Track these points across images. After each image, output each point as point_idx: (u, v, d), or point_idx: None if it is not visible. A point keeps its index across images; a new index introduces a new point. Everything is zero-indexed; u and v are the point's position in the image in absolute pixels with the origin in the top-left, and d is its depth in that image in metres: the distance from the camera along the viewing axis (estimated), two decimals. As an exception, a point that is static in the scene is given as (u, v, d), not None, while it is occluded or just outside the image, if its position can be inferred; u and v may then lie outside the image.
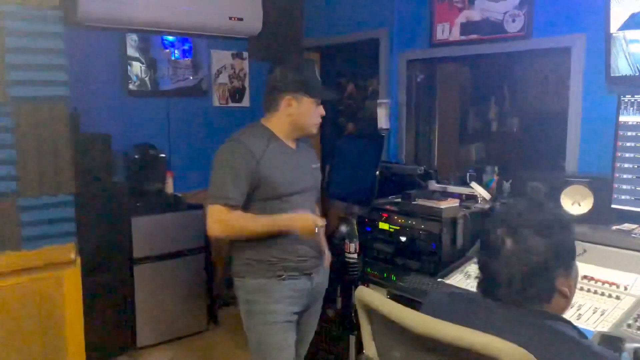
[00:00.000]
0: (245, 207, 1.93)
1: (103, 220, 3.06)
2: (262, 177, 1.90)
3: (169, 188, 3.62)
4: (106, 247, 3.07)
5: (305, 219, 1.92)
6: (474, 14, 2.92)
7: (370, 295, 1.29)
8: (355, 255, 2.42)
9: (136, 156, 3.40)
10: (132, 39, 3.51)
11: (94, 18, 3.21)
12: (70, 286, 1.88)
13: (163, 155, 3.50)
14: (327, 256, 2.22)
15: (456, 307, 1.25)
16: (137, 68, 3.58)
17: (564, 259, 1.18)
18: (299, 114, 1.97)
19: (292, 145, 2.06)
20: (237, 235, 1.95)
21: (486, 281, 1.21)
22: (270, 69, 2.01)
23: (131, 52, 3.52)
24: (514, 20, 2.75)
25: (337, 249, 2.46)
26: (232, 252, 2.05)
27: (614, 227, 2.24)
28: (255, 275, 1.96)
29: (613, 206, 2.30)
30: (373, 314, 1.31)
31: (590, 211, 2.31)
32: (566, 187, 2.35)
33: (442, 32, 3.09)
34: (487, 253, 1.20)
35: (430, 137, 3.61)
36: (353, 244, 2.41)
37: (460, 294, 1.35)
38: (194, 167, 3.74)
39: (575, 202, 2.35)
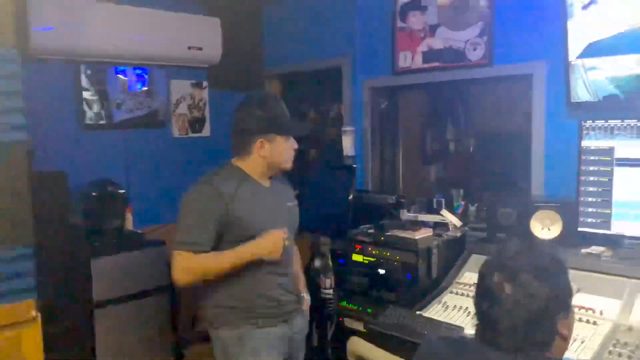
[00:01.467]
0: (218, 250, 1.86)
1: (60, 264, 2.89)
2: (233, 219, 1.84)
3: (129, 225, 3.47)
4: (65, 293, 2.90)
5: (269, 241, 1.85)
6: (436, 43, 2.97)
7: (363, 347, 1.25)
8: (330, 291, 2.37)
9: (94, 193, 3.24)
10: (87, 71, 3.38)
11: (47, 50, 3.07)
12: (30, 346, 1.74)
13: (122, 191, 3.36)
14: (306, 300, 2.15)
15: (455, 357, 1.22)
16: (92, 101, 3.45)
17: (564, 302, 1.18)
18: (273, 155, 1.92)
19: (267, 183, 2.00)
20: (204, 278, 1.87)
21: (486, 329, 1.18)
22: (235, 109, 1.95)
23: (86, 84, 3.39)
24: (475, 49, 2.81)
25: (312, 285, 2.40)
26: (203, 299, 1.95)
27: (583, 251, 2.28)
28: (230, 324, 1.88)
29: (580, 229, 2.35)
30: None
31: (559, 235, 2.35)
32: (535, 212, 2.39)
33: (405, 60, 3.12)
34: (485, 300, 1.18)
35: (394, 163, 3.62)
36: (328, 279, 2.37)
37: (458, 342, 1.32)
38: (155, 201, 3.62)
39: (545, 227, 2.38)
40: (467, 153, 4.16)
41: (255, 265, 1.86)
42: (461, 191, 3.16)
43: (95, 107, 3.48)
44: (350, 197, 2.57)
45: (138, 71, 3.63)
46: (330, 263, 2.39)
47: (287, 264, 2.00)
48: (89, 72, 3.39)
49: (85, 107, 3.41)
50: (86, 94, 3.41)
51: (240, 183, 1.89)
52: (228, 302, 1.89)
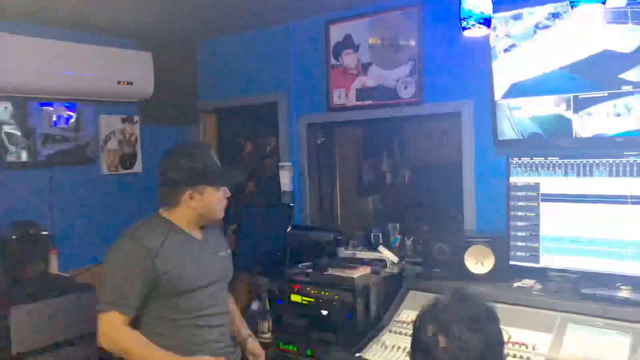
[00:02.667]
0: (146, 307, 1.76)
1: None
2: (161, 274, 1.73)
3: (54, 268, 3.26)
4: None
5: None
6: (368, 81, 3.03)
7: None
8: (269, 335, 2.31)
9: (14, 236, 3.03)
10: (5, 106, 3.19)
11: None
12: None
13: (45, 232, 3.16)
14: (254, 343, 2.06)
15: None
16: (13, 138, 3.25)
17: (497, 350, 1.18)
18: (203, 206, 1.83)
19: (198, 234, 1.90)
20: (124, 356, 1.74)
21: None
22: (162, 159, 1.86)
23: (3, 120, 3.19)
24: (406, 87, 2.89)
25: (250, 329, 2.32)
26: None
27: (515, 285, 2.35)
28: None
29: (511, 262, 2.43)
30: None
31: (492, 270, 2.41)
32: (469, 247, 2.44)
33: (339, 97, 3.16)
34: (420, 353, 1.17)
35: (332, 197, 3.63)
36: (266, 322, 2.31)
37: None
38: (83, 241, 3.43)
39: (479, 262, 2.43)
40: (402, 184, 4.26)
41: (187, 318, 1.78)
42: (397, 225, 3.20)
43: (17, 143, 3.28)
44: (288, 234, 2.52)
45: (63, 107, 3.47)
46: (268, 306, 2.33)
47: (220, 316, 1.90)
48: (9, 106, 3.20)
49: (7, 144, 3.21)
50: (7, 129, 3.22)
51: (168, 235, 1.79)
52: None
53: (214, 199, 1.85)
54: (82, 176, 3.60)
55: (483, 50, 2.50)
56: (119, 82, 3.48)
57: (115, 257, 1.75)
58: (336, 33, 3.13)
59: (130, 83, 3.54)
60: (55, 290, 3.08)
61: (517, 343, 2.02)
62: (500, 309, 2.09)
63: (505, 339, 1.24)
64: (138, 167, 3.87)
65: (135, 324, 1.75)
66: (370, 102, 3.04)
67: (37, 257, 3.15)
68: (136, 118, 3.85)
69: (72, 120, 3.54)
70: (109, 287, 1.71)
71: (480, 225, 2.70)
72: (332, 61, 3.17)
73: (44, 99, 3.35)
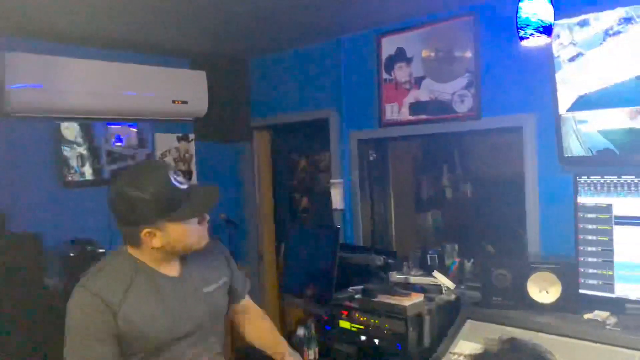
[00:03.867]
0: None
1: (35, 329, 2.74)
2: (123, 332, 1.43)
3: (110, 285, 3.32)
4: (40, 357, 2.74)
5: None
6: (422, 95, 2.89)
7: None
8: (315, 364, 2.21)
9: (71, 254, 3.11)
10: (69, 127, 3.31)
11: (25, 108, 2.99)
12: None
13: (102, 250, 3.22)
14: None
15: None
16: (74, 157, 3.36)
17: None
18: (170, 243, 1.48)
19: (174, 270, 1.56)
20: None
21: None
22: (107, 189, 1.50)
23: (68, 140, 3.30)
24: (462, 101, 2.73)
25: (295, 356, 2.23)
26: None
27: (585, 316, 2.12)
28: None
29: (581, 291, 2.21)
30: None
31: (558, 299, 2.20)
32: (532, 274, 2.24)
33: (392, 112, 3.04)
34: None
35: (386, 215, 3.49)
36: (312, 350, 2.21)
37: None
38: (138, 259, 3.47)
39: (543, 290, 2.23)
40: (464, 199, 4.05)
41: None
42: (456, 246, 3.02)
43: (79, 163, 3.38)
44: (336, 259, 2.41)
45: (127, 126, 3.56)
46: (314, 332, 2.23)
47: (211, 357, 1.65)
48: (72, 127, 3.31)
49: (72, 163, 3.31)
50: (70, 150, 3.33)
51: (132, 281, 1.47)
52: None
53: (184, 231, 1.49)
54: (138, 194, 3.66)
55: (545, 60, 2.32)
56: (173, 102, 3.53)
57: (72, 315, 1.43)
58: (388, 46, 3.02)
59: (185, 102, 3.58)
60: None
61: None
62: (568, 344, 1.95)
63: None
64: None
65: None
66: (424, 116, 2.90)
67: (93, 274, 3.22)
68: (191, 136, 3.89)
69: (132, 138, 3.63)
70: (70, 351, 1.43)
71: (545, 249, 2.49)
72: (384, 75, 3.06)
73: (103, 119, 3.44)
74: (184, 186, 1.50)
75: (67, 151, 3.32)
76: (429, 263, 2.86)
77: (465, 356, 2.06)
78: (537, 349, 1.10)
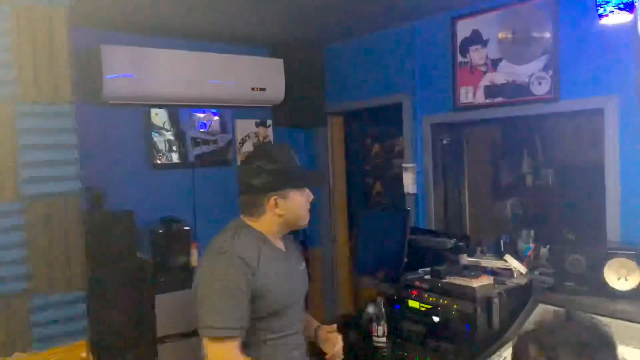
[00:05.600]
0: None
1: (127, 298, 3.01)
2: (260, 292, 1.60)
3: (194, 261, 3.56)
4: (130, 327, 3.00)
5: None
6: (498, 77, 2.85)
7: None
8: (384, 339, 2.28)
9: (160, 231, 3.37)
10: (157, 113, 3.56)
11: (120, 96, 3.26)
12: (82, 387, 1.80)
13: (187, 228, 3.46)
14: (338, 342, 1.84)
15: None
16: (162, 141, 3.61)
17: None
18: (288, 212, 1.69)
19: (281, 244, 1.77)
20: None
21: None
22: (241, 165, 1.76)
23: (157, 125, 3.56)
24: (540, 83, 2.66)
25: (364, 332, 2.32)
26: None
27: (667, 305, 2.04)
28: None
29: (664, 280, 2.11)
30: None
31: (638, 287, 2.12)
32: (609, 260, 2.18)
33: (466, 95, 3.01)
34: None
35: (460, 199, 3.47)
36: (381, 327, 2.28)
37: None
38: (220, 237, 3.69)
39: (621, 277, 2.16)
40: (545, 186, 3.91)
41: (276, 338, 1.69)
42: (532, 232, 2.96)
43: (166, 147, 3.63)
44: (406, 240, 2.46)
45: (210, 113, 3.77)
46: (384, 310, 2.30)
47: (301, 335, 1.80)
48: (160, 113, 3.56)
49: (156, 147, 3.57)
50: (159, 135, 3.58)
51: (261, 249, 1.66)
52: None
53: (299, 203, 1.71)
54: (220, 176, 3.88)
55: (626, 39, 2.22)
56: (252, 89, 3.70)
57: (214, 275, 1.58)
58: (463, 29, 2.99)
59: (263, 89, 3.73)
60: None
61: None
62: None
63: None
64: (270, 168, 4.06)
65: None
66: (500, 99, 2.86)
67: (179, 250, 3.47)
68: (269, 122, 4.05)
69: (214, 124, 3.84)
70: (215, 310, 1.55)
71: (625, 238, 2.39)
72: (459, 58, 3.03)
73: (188, 106, 3.67)
74: (298, 161, 1.77)
75: (156, 136, 3.58)
76: (502, 248, 2.84)
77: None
78: (593, 321, 1.11)
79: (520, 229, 3.03)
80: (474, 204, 3.54)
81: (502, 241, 2.91)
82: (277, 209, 1.67)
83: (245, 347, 1.60)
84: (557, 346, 1.03)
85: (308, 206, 1.75)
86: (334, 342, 1.79)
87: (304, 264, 1.88)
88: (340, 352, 1.79)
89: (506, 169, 4.01)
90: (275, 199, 1.67)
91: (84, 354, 1.80)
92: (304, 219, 1.75)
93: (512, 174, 4.02)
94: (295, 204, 1.70)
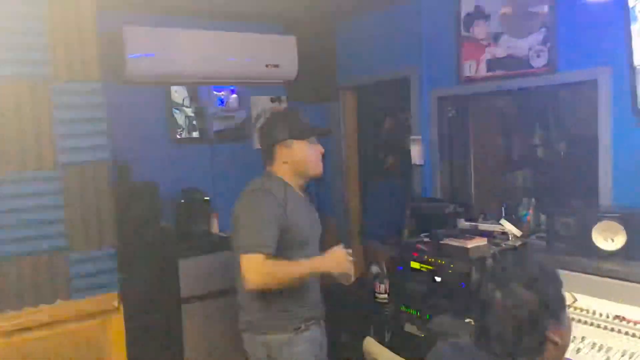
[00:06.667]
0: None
1: (152, 263, 3.26)
2: (290, 223, 1.91)
3: (215, 229, 3.80)
4: (156, 289, 3.26)
5: (335, 259, 1.92)
6: (499, 51, 2.96)
7: (373, 346, 1.38)
8: (385, 296, 2.48)
9: (182, 200, 3.60)
10: (177, 91, 3.76)
11: (142, 75, 3.46)
12: (114, 332, 2.04)
13: (207, 198, 3.69)
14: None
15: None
16: (182, 118, 3.82)
17: (553, 310, 1.23)
18: (293, 159, 2.00)
19: (302, 194, 2.09)
20: (278, 284, 1.87)
21: (480, 334, 1.26)
22: (260, 126, 2.12)
23: (177, 102, 3.77)
24: (538, 56, 2.77)
25: (367, 290, 2.52)
26: (244, 305, 2.02)
27: (648, 263, 2.19)
28: (275, 329, 1.94)
29: (649, 241, 2.26)
30: None
31: (623, 247, 2.27)
32: (597, 223, 2.33)
33: (470, 69, 3.14)
34: (478, 308, 1.25)
35: (466, 171, 3.61)
36: (383, 285, 2.47)
37: (460, 346, 1.39)
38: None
39: (608, 238, 2.31)
40: (556, 158, 4.00)
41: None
42: (532, 200, 3.11)
43: (186, 123, 3.85)
44: (406, 206, 2.64)
45: (228, 90, 3.97)
46: (385, 270, 2.49)
47: None
48: (181, 91, 3.77)
49: (176, 123, 3.78)
50: (179, 112, 3.80)
51: (286, 190, 1.98)
52: (273, 308, 1.94)
53: (303, 153, 2.01)
54: (237, 151, 4.09)
55: (620, 12, 2.32)
56: (266, 65, 3.86)
57: (251, 206, 1.91)
58: (467, 4, 3.10)
59: (276, 66, 3.90)
60: (215, 247, 3.60)
61: (632, 321, 1.92)
62: (626, 287, 2.05)
63: (569, 302, 1.25)
64: (285, 142, 4.26)
65: None
66: (501, 72, 2.98)
67: (201, 218, 3.71)
68: (283, 98, 4.22)
69: (232, 101, 4.03)
70: (249, 232, 1.85)
71: (617, 201, 2.53)
72: (463, 33, 3.15)
73: (205, 84, 3.86)
74: (307, 121, 2.09)
75: (176, 113, 3.80)
76: (503, 215, 2.99)
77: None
78: (540, 261, 1.29)
79: (525, 198, 3.17)
80: (479, 174, 3.67)
81: (503, 209, 3.07)
82: (282, 157, 2.00)
83: None
84: (509, 280, 1.21)
85: (317, 157, 2.04)
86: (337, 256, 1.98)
87: (317, 215, 2.18)
88: (347, 269, 1.97)
89: (516, 141, 4.12)
90: (280, 147, 1.99)
91: (115, 304, 2.05)
92: (313, 169, 2.04)
93: (522, 145, 4.13)
94: (299, 153, 2.00)
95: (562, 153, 3.95)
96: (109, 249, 2.04)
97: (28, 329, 1.91)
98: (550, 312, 1.21)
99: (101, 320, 2.03)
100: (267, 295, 1.93)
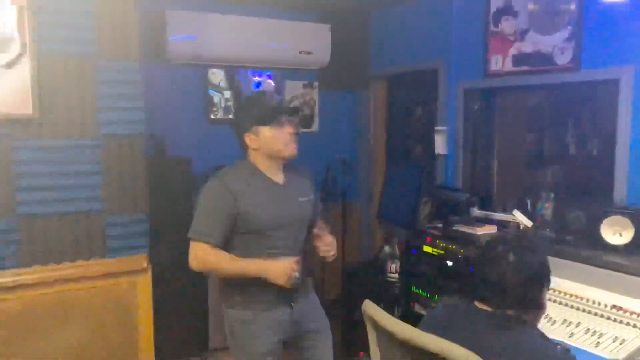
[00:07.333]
0: (230, 240, 2.01)
1: (180, 233, 3.44)
2: (242, 213, 1.95)
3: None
4: (183, 257, 3.46)
5: (277, 269, 1.92)
6: (525, 47, 3.02)
7: (373, 310, 1.52)
8: (396, 275, 2.61)
9: (213, 177, 3.79)
10: (214, 73, 3.95)
11: (182, 56, 3.66)
12: (142, 290, 2.25)
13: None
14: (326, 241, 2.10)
15: (449, 317, 1.53)
16: (219, 99, 4.01)
17: (547, 275, 1.46)
18: (263, 145, 2.01)
19: (279, 179, 2.08)
20: (217, 274, 2.06)
21: (480, 288, 1.48)
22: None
23: (213, 84, 3.96)
24: (562, 53, 2.82)
25: (379, 268, 2.65)
26: (220, 280, 2.12)
27: (654, 259, 2.24)
28: (235, 305, 2.03)
29: (658, 238, 2.30)
30: (376, 323, 1.54)
31: (631, 242, 2.33)
32: (607, 217, 2.39)
33: (496, 63, 3.20)
34: (488, 265, 1.47)
35: (488, 162, 3.67)
36: (394, 264, 2.60)
37: (453, 305, 1.64)
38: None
39: (617, 233, 2.37)
40: (589, 156, 3.98)
41: (265, 251, 2.00)
42: (552, 194, 3.16)
43: (222, 104, 4.03)
44: (420, 193, 2.75)
45: (265, 74, 4.13)
46: (397, 251, 2.62)
47: (296, 252, 2.06)
48: (218, 73, 3.95)
49: (213, 103, 3.98)
50: (216, 93, 3.98)
51: (251, 178, 2.01)
52: (241, 286, 2.02)
53: (270, 136, 1.99)
54: (269, 133, 4.24)
55: (644, 11, 2.36)
56: (300, 52, 4.01)
57: (204, 195, 2.01)
58: (496, 0, 3.15)
59: (309, 53, 4.03)
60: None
61: (635, 313, 1.99)
62: (628, 279, 2.12)
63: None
64: (315, 127, 4.41)
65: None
66: (526, 68, 3.03)
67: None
68: (315, 84, 4.36)
69: (267, 85, 4.19)
70: (197, 219, 1.99)
71: (631, 199, 2.57)
72: (492, 28, 3.21)
73: (243, 67, 4.03)
74: (274, 103, 2.07)
75: (213, 94, 3.99)
76: (518, 207, 3.06)
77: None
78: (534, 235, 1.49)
79: (543, 192, 3.22)
80: (502, 167, 3.72)
81: (520, 200, 3.13)
82: (252, 144, 2.02)
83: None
84: (518, 246, 1.47)
85: (287, 138, 2.01)
86: (322, 238, 2.08)
87: (308, 197, 2.15)
88: (328, 246, 2.06)
89: (543, 138, 4.13)
90: (248, 135, 2.02)
91: (144, 265, 2.25)
92: (284, 151, 2.02)
93: (549, 142, 4.14)
94: (267, 138, 2.00)
95: (594, 151, 3.96)
96: (141, 214, 2.24)
97: (67, 280, 2.14)
98: (545, 275, 1.45)
99: (131, 279, 2.23)
100: (232, 278, 2.04)
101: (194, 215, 2.01)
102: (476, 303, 1.50)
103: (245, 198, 1.96)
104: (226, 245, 2.00)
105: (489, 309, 1.45)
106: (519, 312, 1.41)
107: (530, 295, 1.42)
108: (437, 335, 1.30)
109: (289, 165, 2.13)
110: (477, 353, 1.23)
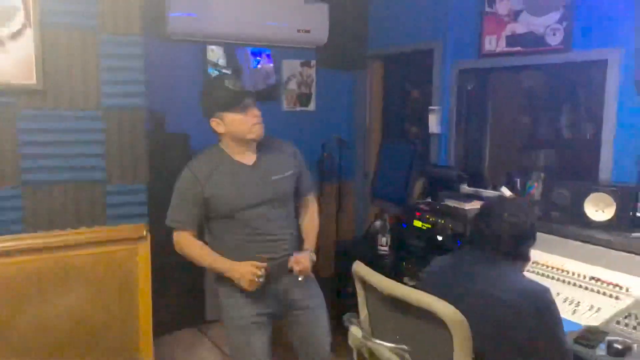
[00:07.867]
0: (207, 225, 2.13)
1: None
2: (208, 197, 2.04)
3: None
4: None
5: (242, 272, 1.98)
6: (518, 28, 3.07)
7: (362, 268, 1.62)
8: (386, 248, 2.70)
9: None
10: (214, 50, 3.99)
11: (181, 33, 3.71)
12: (141, 257, 2.34)
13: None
14: (303, 257, 2.11)
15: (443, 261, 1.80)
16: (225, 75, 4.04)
17: (534, 234, 1.72)
18: (229, 130, 2.05)
19: (249, 160, 2.10)
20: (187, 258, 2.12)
21: (476, 237, 1.72)
22: None
23: (212, 61, 4.00)
24: (554, 34, 2.88)
25: (372, 241, 2.74)
26: None
27: (634, 235, 2.33)
28: (226, 280, 2.07)
29: (639, 214, 2.40)
30: (365, 283, 1.65)
31: (612, 218, 2.42)
32: (590, 195, 2.47)
33: (490, 43, 3.26)
34: (484, 219, 1.70)
35: (481, 142, 3.75)
36: (385, 238, 2.69)
37: (449, 255, 1.91)
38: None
39: (599, 210, 2.46)
40: (582, 139, 4.05)
41: (235, 234, 2.08)
42: (542, 174, 3.24)
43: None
44: (411, 170, 2.83)
45: (260, 54, 4.17)
46: (388, 225, 2.71)
47: (270, 234, 2.10)
48: (216, 50, 3.99)
49: (212, 81, 4.02)
50: (214, 70, 4.02)
51: (218, 164, 2.07)
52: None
53: (235, 121, 2.03)
54: (266, 111, 4.22)
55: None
56: (298, 30, 4.05)
57: (176, 184, 2.11)
58: (492, -20, 3.21)
59: (307, 31, 4.08)
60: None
61: (611, 284, 2.09)
62: (608, 253, 2.22)
63: None
64: (312, 106, 4.46)
65: (207, 238, 2.14)
66: (518, 48, 3.09)
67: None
68: (313, 63, 4.41)
69: (265, 63, 4.24)
70: (170, 208, 2.12)
71: (616, 177, 2.66)
72: (487, 8, 3.26)
73: (241, 45, 4.07)
74: (237, 89, 2.05)
75: (212, 71, 4.03)
76: (508, 184, 3.14)
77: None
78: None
79: (533, 171, 3.31)
80: (495, 147, 3.80)
81: (508, 178, 3.22)
82: (219, 129, 2.06)
83: (213, 241, 2.11)
84: (512, 205, 1.75)
85: (251, 121, 2.05)
86: (298, 261, 2.09)
87: (284, 174, 2.13)
88: (303, 270, 2.08)
89: (536, 119, 4.20)
90: (214, 122, 2.06)
91: (144, 232, 2.34)
92: (249, 133, 2.05)
93: (543, 124, 4.21)
94: (232, 122, 2.03)
95: (585, 132, 4.02)
96: (141, 185, 2.32)
97: (70, 246, 2.22)
98: (534, 232, 1.69)
99: (131, 246, 2.32)
100: (213, 247, 2.13)
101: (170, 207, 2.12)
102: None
103: (210, 183, 2.03)
104: (205, 231, 2.11)
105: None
106: (508, 261, 1.67)
107: (519, 249, 1.68)
108: (438, 283, 1.58)
109: (269, 142, 2.17)
110: (471, 284, 1.52)
